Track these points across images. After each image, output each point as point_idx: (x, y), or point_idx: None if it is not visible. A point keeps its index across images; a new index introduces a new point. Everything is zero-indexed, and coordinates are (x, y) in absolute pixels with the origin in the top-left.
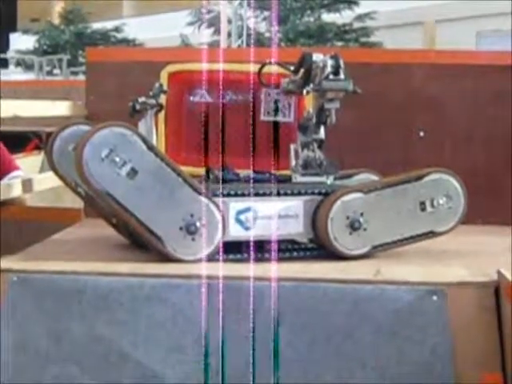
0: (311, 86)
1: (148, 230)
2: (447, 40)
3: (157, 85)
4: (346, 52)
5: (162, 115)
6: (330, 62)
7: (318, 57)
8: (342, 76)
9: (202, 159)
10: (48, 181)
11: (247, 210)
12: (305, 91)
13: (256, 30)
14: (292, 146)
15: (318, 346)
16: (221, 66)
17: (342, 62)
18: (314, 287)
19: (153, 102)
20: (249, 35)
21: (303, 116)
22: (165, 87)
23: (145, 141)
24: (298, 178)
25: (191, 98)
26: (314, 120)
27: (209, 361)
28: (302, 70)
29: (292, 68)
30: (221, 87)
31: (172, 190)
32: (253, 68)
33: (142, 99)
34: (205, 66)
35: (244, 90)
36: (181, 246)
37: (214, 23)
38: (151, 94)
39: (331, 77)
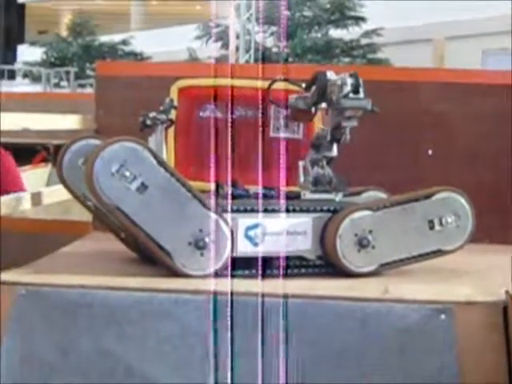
0: (323, 104)
1: (157, 245)
2: (454, 58)
3: (167, 100)
4: (356, 69)
5: (171, 130)
6: (349, 81)
7: (331, 75)
8: (361, 95)
9: (211, 174)
10: (56, 194)
11: (256, 226)
12: (318, 109)
13: (264, 44)
14: (300, 163)
15: (325, 364)
16: (231, 82)
17: (361, 81)
18: (321, 304)
19: (163, 117)
20: (256, 50)
21: (313, 133)
22: (175, 102)
23: (155, 156)
24: (306, 195)
25: (201, 114)
26: (329, 137)
27: (217, 377)
28: (313, 88)
29: (303, 85)
30: (230, 103)
31: (181, 205)
32: (263, 84)
33: (152, 114)
34: (215, 82)
35: (254, 105)
36: (189, 261)
37: (221, 37)
38: (161, 109)
39: (351, 95)
